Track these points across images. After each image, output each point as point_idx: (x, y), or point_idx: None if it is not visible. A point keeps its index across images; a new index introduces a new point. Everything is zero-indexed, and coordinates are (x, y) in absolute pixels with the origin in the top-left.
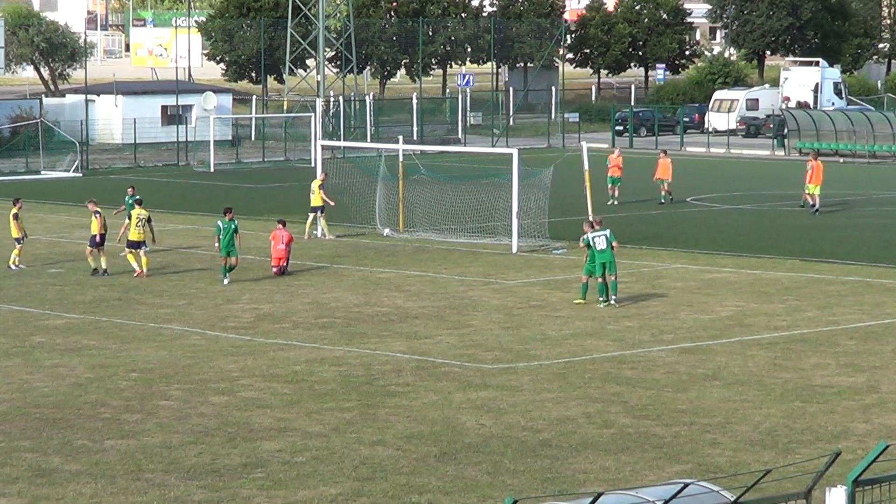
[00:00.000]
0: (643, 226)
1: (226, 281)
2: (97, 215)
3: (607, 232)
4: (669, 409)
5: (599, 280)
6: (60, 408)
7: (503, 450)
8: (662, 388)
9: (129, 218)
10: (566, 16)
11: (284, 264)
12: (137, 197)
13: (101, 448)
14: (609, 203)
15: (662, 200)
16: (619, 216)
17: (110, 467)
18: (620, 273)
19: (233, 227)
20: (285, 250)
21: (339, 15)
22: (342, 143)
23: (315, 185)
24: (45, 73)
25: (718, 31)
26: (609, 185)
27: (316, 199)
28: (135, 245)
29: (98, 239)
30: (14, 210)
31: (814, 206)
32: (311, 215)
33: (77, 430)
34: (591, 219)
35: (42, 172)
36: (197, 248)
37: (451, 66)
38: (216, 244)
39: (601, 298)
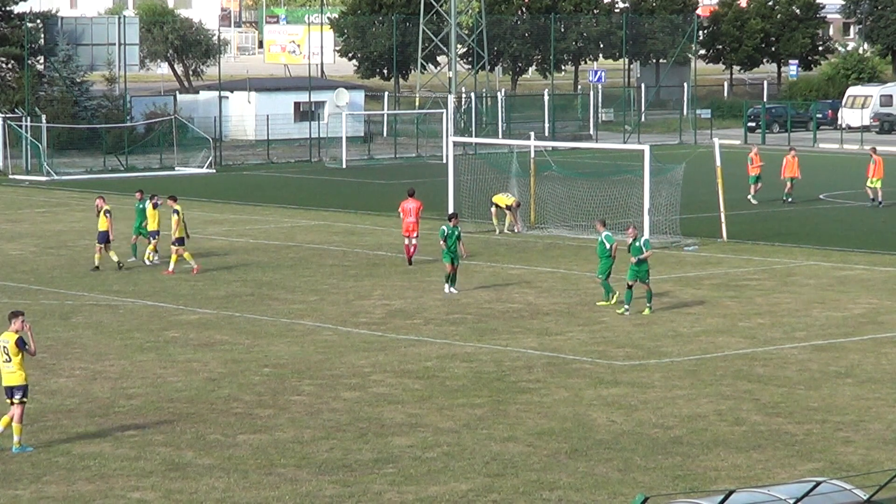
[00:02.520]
0: (775, 223)
1: (449, 290)
2: (107, 214)
3: (604, 235)
4: (801, 407)
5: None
6: (193, 402)
7: (634, 447)
8: (794, 386)
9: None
10: (699, 11)
11: (416, 233)
12: (153, 199)
13: (233, 443)
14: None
15: (787, 199)
16: (751, 212)
17: (243, 462)
18: (752, 269)
19: (456, 233)
20: (415, 222)
21: (470, 11)
22: (474, 140)
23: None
24: (180, 69)
25: (852, 27)
26: (752, 183)
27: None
28: (180, 242)
29: (106, 236)
30: (149, 204)
31: (874, 199)
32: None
33: (210, 424)
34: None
35: (176, 169)
36: (329, 244)
37: (583, 63)
38: (441, 243)
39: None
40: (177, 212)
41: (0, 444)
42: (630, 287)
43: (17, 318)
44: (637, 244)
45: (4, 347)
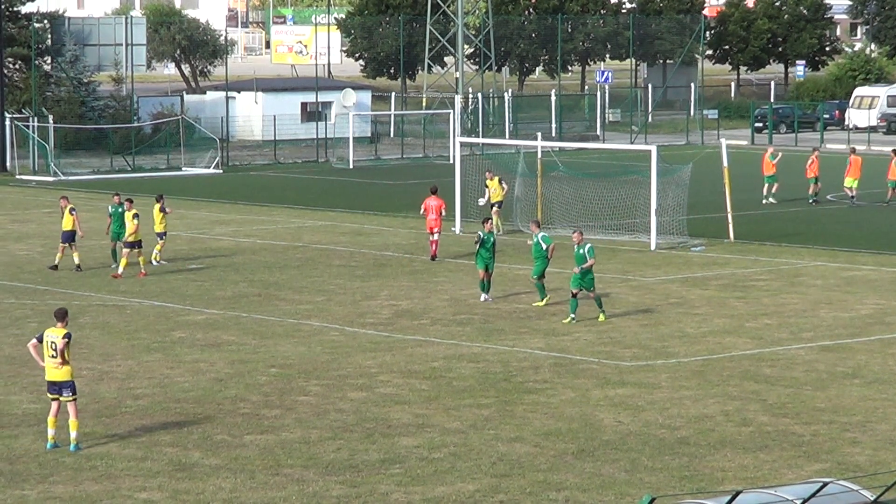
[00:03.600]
0: (782, 223)
1: (484, 298)
2: (73, 212)
3: (540, 236)
4: (808, 408)
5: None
6: (200, 403)
7: (641, 447)
8: (801, 387)
9: (115, 219)
10: (705, 12)
11: (437, 228)
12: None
13: (240, 443)
14: (765, 202)
15: (815, 199)
16: (758, 213)
17: (249, 462)
18: (759, 270)
19: (492, 239)
20: (437, 219)
21: (477, 12)
22: (481, 140)
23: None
24: (187, 70)
25: (859, 27)
26: (767, 184)
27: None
28: (137, 245)
29: (72, 235)
30: (157, 206)
31: (853, 198)
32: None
33: (217, 424)
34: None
35: (183, 169)
36: (336, 244)
37: (590, 63)
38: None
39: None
40: (137, 215)
41: (8, 444)
42: (574, 296)
43: (65, 317)
44: (581, 252)
45: (53, 343)
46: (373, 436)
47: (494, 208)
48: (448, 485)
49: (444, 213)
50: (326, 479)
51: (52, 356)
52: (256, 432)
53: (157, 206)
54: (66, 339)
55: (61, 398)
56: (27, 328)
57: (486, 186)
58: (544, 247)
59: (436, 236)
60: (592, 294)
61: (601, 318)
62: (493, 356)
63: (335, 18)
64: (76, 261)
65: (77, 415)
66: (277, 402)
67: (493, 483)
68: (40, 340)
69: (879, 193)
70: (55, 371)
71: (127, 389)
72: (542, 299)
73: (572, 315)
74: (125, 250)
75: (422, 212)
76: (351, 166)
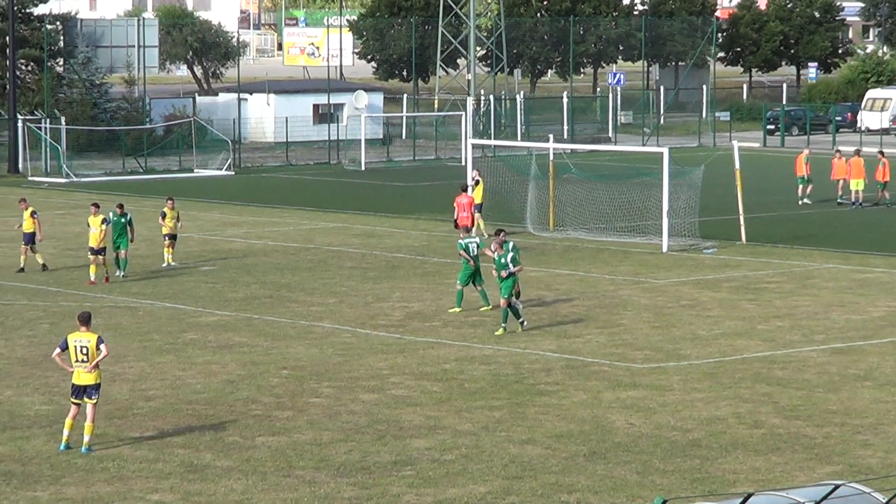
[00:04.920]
0: (794, 225)
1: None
2: (34, 215)
3: (476, 240)
4: (820, 410)
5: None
6: (212, 404)
7: (653, 449)
8: (813, 389)
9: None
10: (717, 14)
11: (471, 226)
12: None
13: (252, 445)
14: (801, 202)
15: (848, 201)
16: (770, 215)
17: (261, 464)
18: (771, 272)
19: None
20: (469, 216)
21: (489, 14)
22: (493, 142)
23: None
24: (199, 71)
25: (871, 29)
26: (800, 185)
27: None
28: (102, 251)
29: (32, 237)
30: (165, 207)
31: (855, 202)
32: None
33: (228, 426)
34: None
35: (195, 171)
36: (347, 246)
37: (602, 65)
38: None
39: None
40: (106, 220)
41: (20, 445)
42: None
43: (90, 321)
44: (503, 260)
45: (84, 348)
46: (384, 437)
47: (477, 213)
48: (460, 486)
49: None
50: (338, 481)
51: (83, 360)
52: (268, 434)
53: (168, 207)
54: (99, 343)
55: (85, 401)
56: (39, 329)
57: (472, 186)
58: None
59: (471, 229)
60: (505, 301)
61: (500, 332)
62: (505, 358)
63: (347, 20)
64: (40, 261)
65: (94, 419)
66: (289, 403)
67: (504, 485)
68: (63, 348)
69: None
70: (84, 375)
71: (139, 391)
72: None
73: (504, 325)
74: (91, 256)
75: (453, 209)
76: (363, 168)
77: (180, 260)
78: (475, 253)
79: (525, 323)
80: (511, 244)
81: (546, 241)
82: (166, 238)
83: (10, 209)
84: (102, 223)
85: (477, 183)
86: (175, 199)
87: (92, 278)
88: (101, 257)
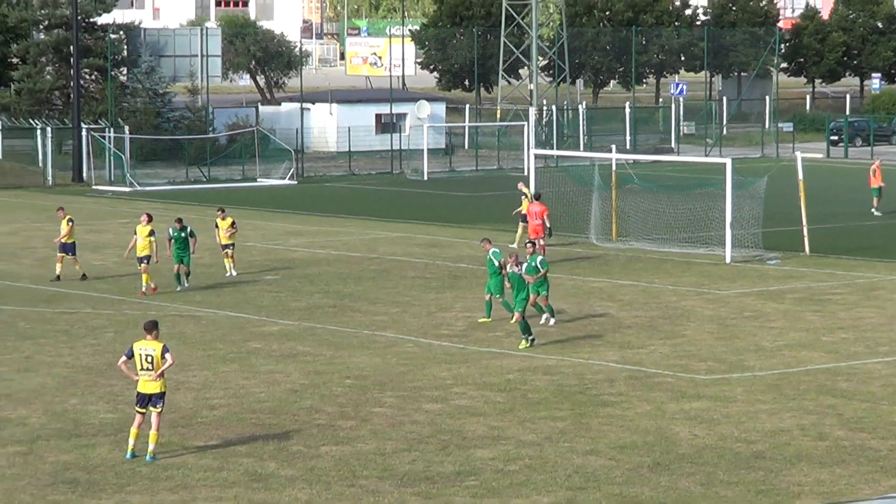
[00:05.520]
0: (858, 236)
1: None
2: (70, 222)
3: (490, 252)
4: (885, 422)
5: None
6: (276, 413)
7: (717, 461)
8: (878, 401)
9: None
10: (780, 24)
11: (541, 235)
12: (222, 213)
13: (316, 454)
14: (875, 213)
15: None
16: (834, 226)
17: (325, 473)
18: (835, 284)
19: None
20: (541, 225)
21: (552, 24)
22: (555, 152)
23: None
24: (262, 81)
25: None
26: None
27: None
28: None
29: (72, 247)
30: (220, 218)
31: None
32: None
33: (292, 435)
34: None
35: (258, 180)
36: (410, 256)
37: (664, 75)
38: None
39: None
40: (153, 232)
41: (85, 453)
42: (544, 308)
43: (156, 328)
44: (533, 264)
45: (149, 356)
46: (448, 447)
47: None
48: (523, 497)
49: (546, 219)
50: (402, 491)
51: (147, 369)
52: (332, 443)
53: (220, 217)
54: (164, 352)
55: (150, 409)
56: (103, 338)
57: (524, 196)
58: (496, 263)
59: (542, 242)
60: (518, 315)
61: (523, 344)
62: (568, 368)
63: (409, 30)
64: (79, 269)
65: (159, 427)
66: (353, 413)
67: (568, 496)
68: (129, 356)
69: None
70: (149, 384)
71: (203, 400)
72: (501, 313)
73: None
74: (140, 266)
75: (525, 213)
76: (425, 178)
77: (243, 269)
78: (497, 263)
79: (534, 340)
80: (539, 258)
81: (609, 251)
82: (223, 248)
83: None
84: (150, 235)
85: (524, 195)
86: (226, 210)
87: (143, 288)
88: (143, 265)
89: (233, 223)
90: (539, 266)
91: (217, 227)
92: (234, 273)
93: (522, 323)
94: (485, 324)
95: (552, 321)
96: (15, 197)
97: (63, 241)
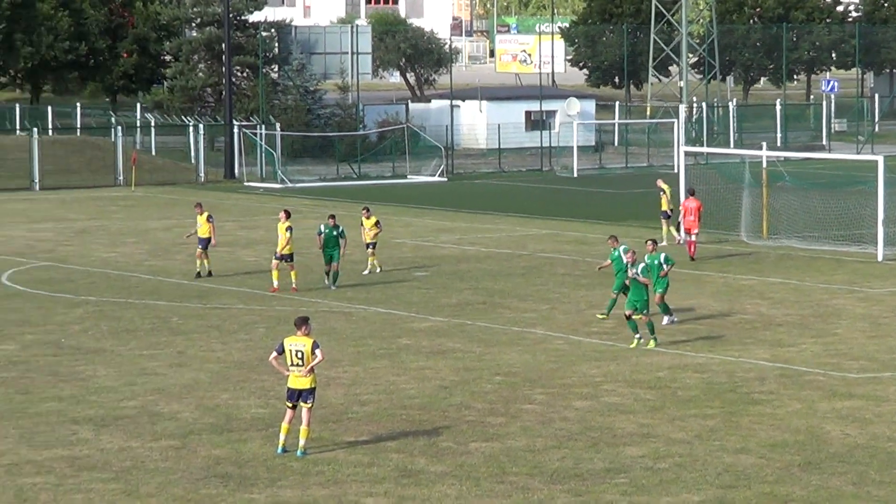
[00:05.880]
0: None
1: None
2: (210, 219)
3: (621, 249)
4: None
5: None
6: (426, 409)
7: (868, 460)
8: None
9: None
10: None
11: (696, 230)
12: (367, 212)
13: (465, 450)
14: None
15: None
16: None
17: (475, 469)
18: None
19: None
20: (695, 220)
21: (702, 20)
22: (705, 150)
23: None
24: (412, 78)
25: None
26: None
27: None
28: (289, 258)
29: (207, 242)
30: (364, 217)
31: None
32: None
33: (442, 431)
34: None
35: (408, 177)
36: (560, 253)
37: (815, 72)
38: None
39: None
40: (290, 228)
41: (237, 448)
42: (665, 306)
43: (307, 324)
44: (656, 262)
45: (299, 352)
46: (598, 445)
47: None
48: (673, 495)
49: (701, 214)
50: (551, 488)
51: (298, 365)
52: (482, 440)
53: (365, 216)
54: (314, 348)
55: (300, 404)
56: (255, 333)
57: (663, 193)
58: (625, 260)
59: (693, 237)
60: (644, 317)
61: (651, 344)
62: (718, 366)
63: (559, 27)
64: (207, 267)
65: (310, 422)
66: (502, 409)
67: (718, 494)
68: (280, 352)
69: None
70: (299, 379)
71: (353, 395)
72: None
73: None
74: (274, 261)
75: (680, 211)
76: (575, 175)
77: (393, 265)
78: (626, 261)
79: (642, 340)
80: (663, 255)
81: (759, 249)
82: (367, 247)
83: (227, 213)
84: (287, 230)
85: (663, 192)
86: (371, 209)
87: (275, 284)
88: (287, 263)
89: (377, 222)
90: (663, 263)
91: (362, 225)
92: (378, 270)
93: (662, 305)
94: (604, 320)
95: (665, 320)
96: (168, 193)
97: (199, 236)
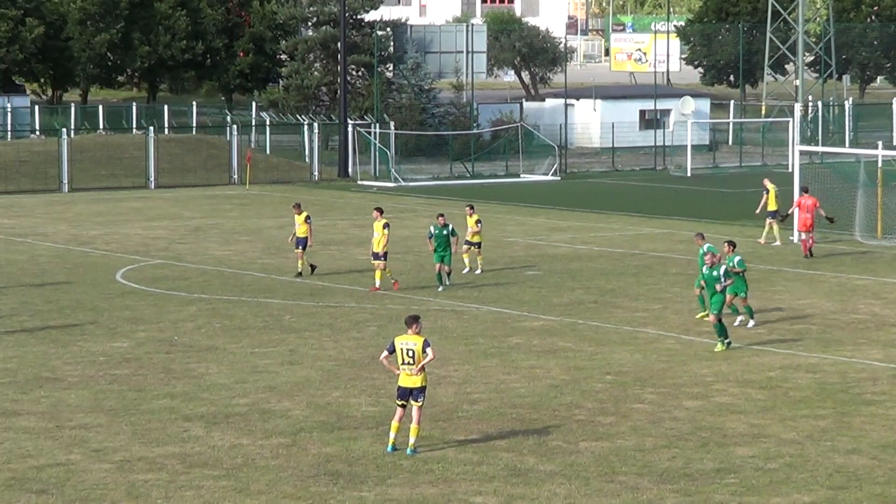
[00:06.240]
0: None
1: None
2: (308, 220)
3: (705, 247)
4: None
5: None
6: (536, 408)
7: None
8: None
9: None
10: None
11: (810, 230)
12: (470, 211)
13: (575, 449)
14: None
15: None
16: None
17: (584, 469)
18: None
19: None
20: (811, 218)
21: (818, 19)
22: (820, 149)
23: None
24: (526, 77)
25: None
26: None
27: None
28: (384, 257)
29: (304, 242)
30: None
31: None
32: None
33: (552, 430)
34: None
35: (521, 176)
36: (672, 252)
37: None
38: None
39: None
40: (387, 225)
41: (347, 446)
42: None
43: (417, 323)
44: (715, 273)
45: (410, 350)
46: (708, 445)
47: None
48: (783, 496)
49: (821, 210)
50: (661, 488)
51: (408, 363)
52: (591, 439)
53: (469, 214)
54: (425, 346)
55: (411, 403)
56: (367, 332)
57: (766, 192)
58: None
59: (805, 236)
60: (715, 317)
61: (719, 347)
62: (831, 367)
63: (674, 26)
64: (299, 268)
65: (420, 421)
66: (612, 409)
67: (829, 495)
68: (391, 351)
69: None
70: (410, 378)
71: (464, 394)
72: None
73: (726, 339)
74: (374, 262)
75: (796, 206)
76: (689, 174)
77: (505, 264)
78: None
79: (730, 343)
80: (737, 258)
81: (874, 248)
82: (468, 245)
83: (340, 212)
84: (384, 228)
85: (767, 191)
86: (474, 207)
87: (377, 284)
88: (381, 262)
89: (477, 221)
90: (737, 266)
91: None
92: (479, 271)
93: (718, 325)
94: (703, 318)
95: (750, 323)
96: (282, 191)
97: (298, 236)
